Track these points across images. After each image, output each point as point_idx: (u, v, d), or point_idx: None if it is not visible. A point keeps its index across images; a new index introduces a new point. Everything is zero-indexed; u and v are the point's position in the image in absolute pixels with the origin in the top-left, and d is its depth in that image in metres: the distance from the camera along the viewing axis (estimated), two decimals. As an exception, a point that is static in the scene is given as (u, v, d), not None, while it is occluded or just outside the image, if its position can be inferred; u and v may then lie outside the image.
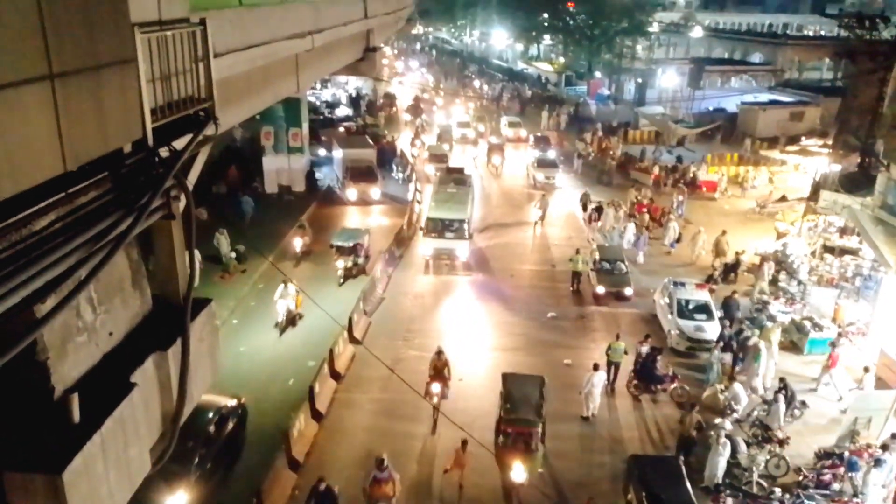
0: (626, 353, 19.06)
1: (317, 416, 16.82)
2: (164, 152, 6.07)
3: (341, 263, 24.60)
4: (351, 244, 24.83)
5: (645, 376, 18.30)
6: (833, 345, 19.50)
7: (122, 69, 5.61)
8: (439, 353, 17.75)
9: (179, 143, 6.27)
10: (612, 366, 19.06)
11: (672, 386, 18.26)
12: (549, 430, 16.72)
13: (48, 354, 5.27)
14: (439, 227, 26.44)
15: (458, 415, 15.61)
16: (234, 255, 24.36)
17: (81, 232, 5.07)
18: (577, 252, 25.02)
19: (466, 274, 26.12)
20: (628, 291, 24.20)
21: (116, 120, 5.56)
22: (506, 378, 16.94)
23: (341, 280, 24.41)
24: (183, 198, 6.30)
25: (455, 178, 31.40)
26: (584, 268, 24.83)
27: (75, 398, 5.25)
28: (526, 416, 15.37)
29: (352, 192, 33.56)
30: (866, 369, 18.23)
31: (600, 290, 24.23)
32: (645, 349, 18.62)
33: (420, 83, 68.53)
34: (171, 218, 6.26)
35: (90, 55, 5.21)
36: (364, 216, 31.96)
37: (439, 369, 17.54)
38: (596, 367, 17.48)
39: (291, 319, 21.41)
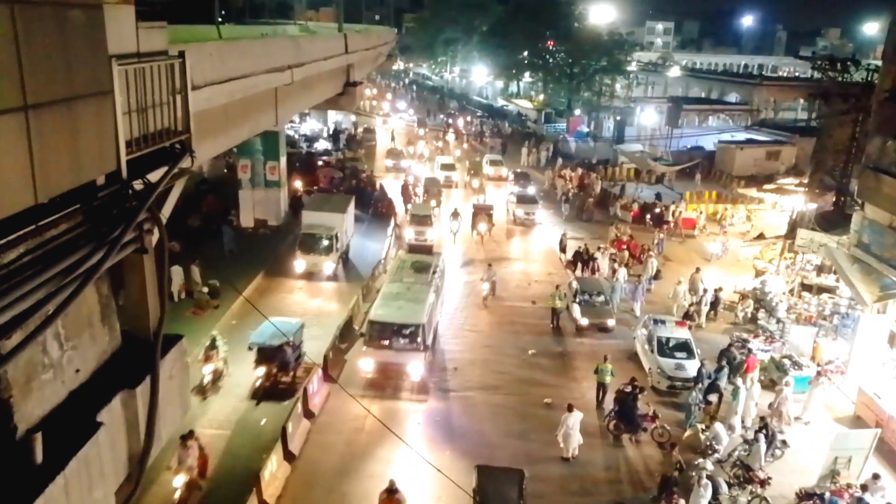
0: (613, 374, 19.49)
1: (289, 457, 16.40)
2: (138, 185, 6.00)
3: (261, 372, 18.61)
4: (276, 345, 18.56)
5: (625, 418, 18.11)
6: (749, 350, 21.52)
7: (99, 101, 5.57)
8: (391, 490, 14.15)
9: (154, 176, 6.20)
10: (601, 387, 19.58)
11: (653, 426, 18.11)
12: (529, 471, 16.48)
13: (11, 392, 5.11)
14: (386, 334, 19.76)
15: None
16: (206, 290, 24.00)
17: (50, 266, 4.97)
18: (557, 288, 25.04)
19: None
20: (611, 323, 24.24)
21: (91, 152, 5.49)
22: (480, 472, 14.60)
23: (257, 399, 18.45)
24: (156, 231, 6.19)
25: (416, 263, 23.88)
26: (562, 304, 24.75)
27: (38, 438, 5.09)
28: None
29: (300, 264, 27.55)
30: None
31: (584, 322, 24.20)
32: (628, 389, 18.46)
33: (404, 128, 65.24)
34: (143, 252, 6.16)
35: (66, 87, 5.16)
36: (310, 296, 26.40)
37: None
38: (570, 408, 17.25)
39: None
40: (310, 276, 27.33)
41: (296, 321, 20.51)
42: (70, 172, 5.28)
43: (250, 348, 18.89)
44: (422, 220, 32.78)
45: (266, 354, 18.73)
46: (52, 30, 4.99)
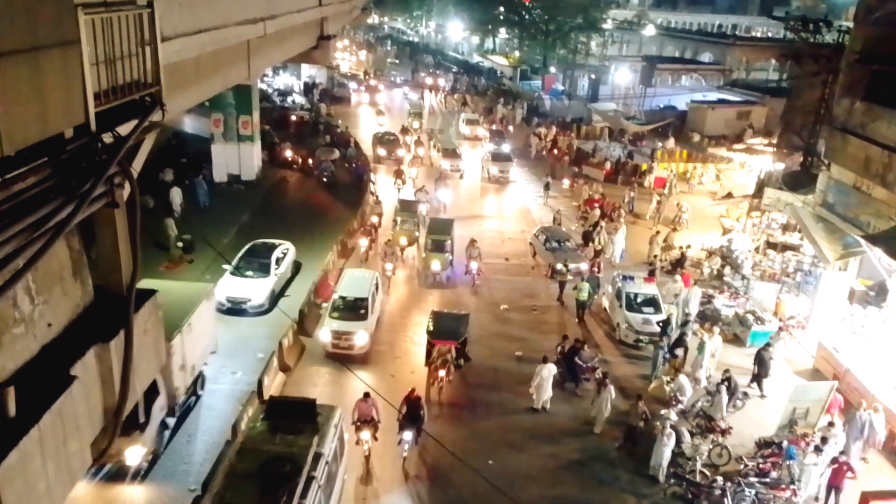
0: (590, 293, 22.12)
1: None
2: (107, 138, 5.93)
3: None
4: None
5: (568, 371, 18.49)
6: (679, 261, 25.42)
7: (64, 51, 5.46)
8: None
9: (124, 129, 6.13)
10: (580, 304, 22.18)
11: (593, 375, 18.55)
12: (500, 421, 16.92)
13: (-18, 346, 5.11)
14: None
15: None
16: (180, 244, 23.84)
17: (19, 219, 4.94)
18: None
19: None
20: (584, 266, 24.88)
21: (57, 104, 5.42)
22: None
23: None
24: (127, 185, 6.16)
25: (265, 468, 11.14)
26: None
27: (11, 392, 5.12)
28: None
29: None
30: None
31: (560, 267, 24.68)
32: (568, 346, 18.94)
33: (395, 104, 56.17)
34: (114, 206, 6.13)
35: (29, 36, 5.05)
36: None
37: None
38: (545, 360, 17.66)
39: None
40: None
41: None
42: (36, 125, 5.21)
43: None
44: (351, 307, 19.68)
45: None
46: (14, -24, 4.85)
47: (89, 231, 6.39)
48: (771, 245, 27.60)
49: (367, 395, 15.13)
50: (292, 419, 12.29)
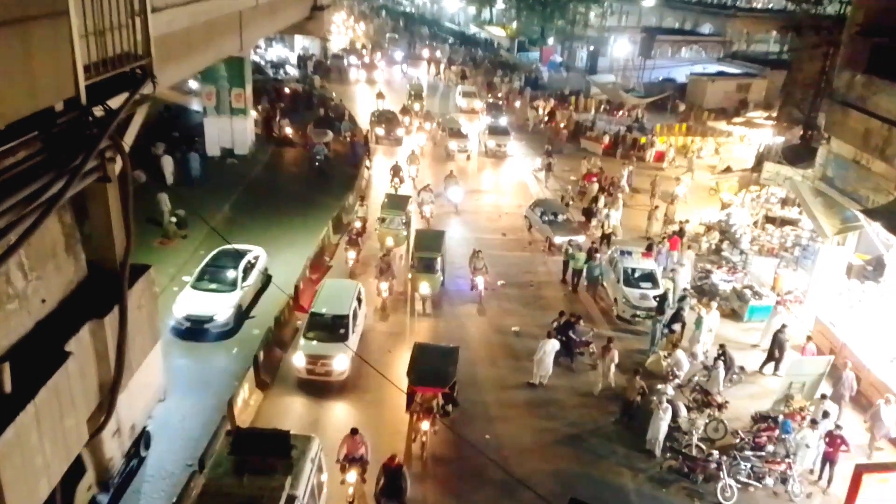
0: (586, 262, 22.20)
1: (262, 385, 16.61)
2: (98, 112, 5.83)
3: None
4: None
5: (563, 346, 18.44)
6: (676, 232, 25.05)
7: (54, 22, 5.35)
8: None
9: (115, 103, 6.02)
10: (575, 273, 22.59)
11: (588, 350, 18.68)
12: (497, 396, 16.95)
13: (-25, 323, 5.06)
14: None
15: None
16: (174, 220, 23.68)
17: (10, 194, 4.87)
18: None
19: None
20: (580, 239, 24.78)
21: (47, 76, 5.31)
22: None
23: None
24: (119, 159, 6.07)
25: None
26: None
27: (6, 368, 5.09)
28: None
29: None
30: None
31: (558, 239, 24.77)
32: (563, 320, 18.97)
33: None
34: (106, 180, 6.05)
35: (17, 7, 4.94)
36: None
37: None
38: (549, 335, 17.69)
39: None
40: None
41: None
42: (26, 98, 5.12)
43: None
44: (329, 326, 17.32)
45: None
46: (0, -55, 4.73)
47: (82, 206, 6.32)
48: (769, 219, 27.55)
49: (355, 430, 13.47)
50: (262, 455, 10.81)
